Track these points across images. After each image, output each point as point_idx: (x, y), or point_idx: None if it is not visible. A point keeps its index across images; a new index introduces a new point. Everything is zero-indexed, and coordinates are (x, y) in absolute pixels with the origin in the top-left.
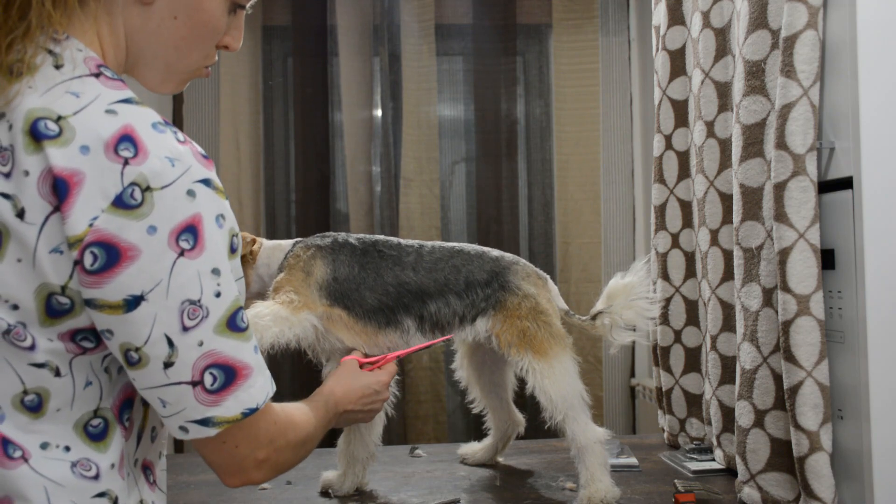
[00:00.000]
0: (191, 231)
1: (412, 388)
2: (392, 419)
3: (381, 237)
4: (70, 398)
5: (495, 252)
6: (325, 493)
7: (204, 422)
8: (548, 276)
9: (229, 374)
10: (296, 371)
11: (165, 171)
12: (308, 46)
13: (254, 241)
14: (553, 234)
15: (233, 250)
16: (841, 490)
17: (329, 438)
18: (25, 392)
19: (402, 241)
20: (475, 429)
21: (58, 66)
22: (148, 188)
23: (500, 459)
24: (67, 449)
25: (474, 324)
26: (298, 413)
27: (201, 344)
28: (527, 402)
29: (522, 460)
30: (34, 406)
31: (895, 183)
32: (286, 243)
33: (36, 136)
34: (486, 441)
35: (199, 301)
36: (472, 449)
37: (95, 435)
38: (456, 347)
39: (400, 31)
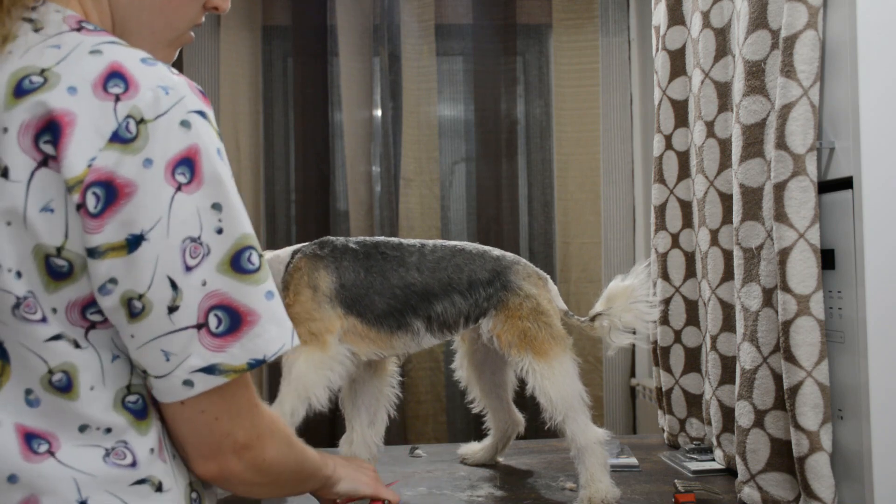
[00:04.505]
0: (186, 164)
1: (412, 388)
2: (392, 419)
3: (381, 238)
4: (100, 373)
5: (496, 251)
6: None
7: (210, 369)
8: (548, 277)
9: (234, 319)
10: None
11: (160, 100)
12: (308, 46)
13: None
14: (553, 234)
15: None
16: (841, 490)
17: (330, 439)
18: (51, 372)
19: (403, 240)
20: (475, 429)
21: (37, 30)
22: (142, 120)
23: (500, 459)
24: (108, 431)
25: (477, 324)
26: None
27: (204, 284)
28: (527, 402)
29: (522, 460)
30: (64, 386)
31: (895, 183)
32: (284, 254)
33: (19, 93)
34: (486, 441)
35: (199, 238)
36: (472, 449)
37: (137, 412)
38: (456, 347)
39: (400, 31)
